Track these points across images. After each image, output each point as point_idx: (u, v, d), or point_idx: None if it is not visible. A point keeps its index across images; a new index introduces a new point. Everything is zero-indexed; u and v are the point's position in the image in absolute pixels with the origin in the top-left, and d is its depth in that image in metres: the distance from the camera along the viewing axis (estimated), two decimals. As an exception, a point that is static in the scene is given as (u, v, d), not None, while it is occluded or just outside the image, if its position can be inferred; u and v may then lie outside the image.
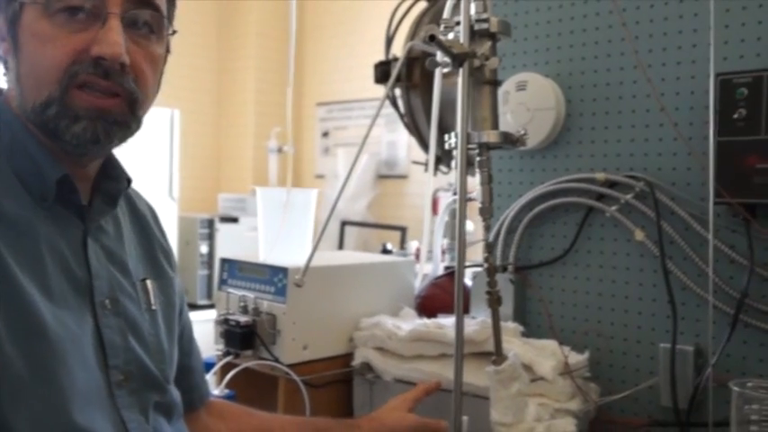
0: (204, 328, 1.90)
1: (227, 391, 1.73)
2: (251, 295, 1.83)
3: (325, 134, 7.07)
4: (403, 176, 6.38)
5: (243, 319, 1.79)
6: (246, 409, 1.51)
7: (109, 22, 1.03)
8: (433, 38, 1.24)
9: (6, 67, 1.08)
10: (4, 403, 0.92)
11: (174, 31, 1.17)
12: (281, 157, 6.37)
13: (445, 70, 1.38)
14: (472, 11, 1.36)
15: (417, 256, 2.86)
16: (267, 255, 1.90)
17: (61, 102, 1.02)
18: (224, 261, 1.96)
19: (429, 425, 1.52)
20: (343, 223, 5.99)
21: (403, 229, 5.72)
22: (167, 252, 1.33)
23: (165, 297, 1.26)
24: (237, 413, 1.47)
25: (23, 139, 1.06)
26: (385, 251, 4.23)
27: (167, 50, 1.17)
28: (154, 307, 1.21)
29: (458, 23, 1.37)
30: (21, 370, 0.94)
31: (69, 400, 0.98)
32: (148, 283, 1.22)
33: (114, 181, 1.18)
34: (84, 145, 1.05)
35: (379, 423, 1.50)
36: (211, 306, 5.26)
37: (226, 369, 1.78)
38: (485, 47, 1.35)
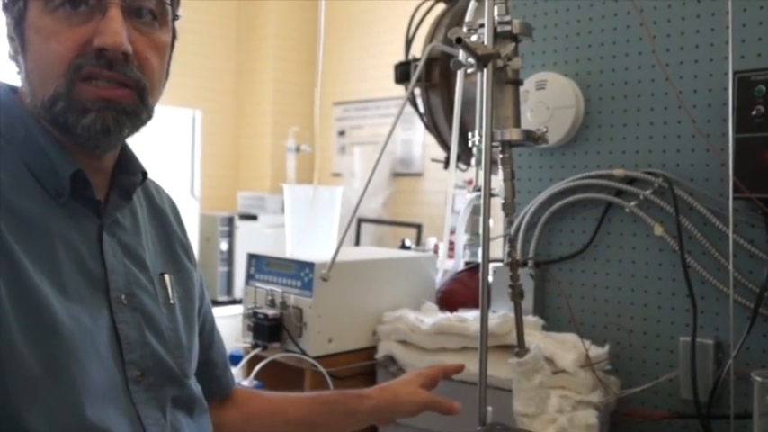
0: (225, 323, 1.93)
1: (255, 382, 1.77)
2: (278, 289, 1.87)
3: (342, 133, 7.10)
4: (418, 174, 6.41)
5: (270, 312, 1.83)
6: (256, 392, 1.52)
7: (109, 12, 1.03)
8: (459, 40, 1.27)
9: (17, 66, 1.10)
10: (17, 401, 0.93)
11: (178, 16, 1.17)
12: (299, 156, 6.41)
13: (469, 71, 1.41)
14: (495, 13, 1.39)
15: (435, 252, 2.89)
16: (293, 250, 1.94)
17: (68, 96, 1.03)
18: (251, 256, 2.00)
19: (441, 404, 1.51)
20: (360, 220, 6.02)
21: (418, 226, 5.75)
22: (186, 246, 1.33)
23: (184, 290, 1.27)
24: (249, 397, 1.48)
25: (37, 135, 1.07)
26: (404, 247, 4.26)
27: (174, 36, 1.17)
28: (172, 301, 1.21)
29: (481, 26, 1.40)
30: (34, 367, 0.94)
31: (82, 397, 0.98)
32: (166, 277, 1.22)
33: (130, 175, 1.19)
34: (95, 137, 1.05)
35: (390, 394, 1.50)
36: (231, 302, 5.33)
37: (254, 361, 1.82)
38: (507, 48, 1.38)
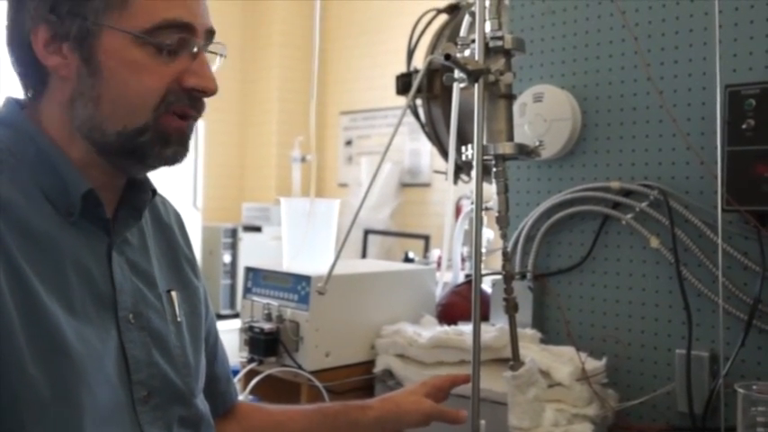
0: (227, 337, 1.93)
1: (251, 397, 1.77)
2: (275, 303, 1.87)
3: (349, 143, 7.09)
4: (426, 185, 6.39)
5: (267, 326, 1.83)
6: (257, 406, 1.52)
7: (201, 55, 1.10)
8: (448, 56, 1.28)
9: (77, 85, 1.07)
10: (27, 424, 0.93)
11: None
12: (305, 167, 6.40)
13: (462, 85, 1.42)
14: (487, 29, 1.39)
15: (439, 264, 2.89)
16: (290, 263, 1.94)
17: (155, 128, 1.07)
18: (248, 270, 2.00)
19: (446, 414, 1.48)
20: (367, 232, 6.00)
21: (426, 238, 5.73)
22: (192, 261, 1.34)
23: (191, 307, 1.27)
24: (250, 411, 1.47)
25: (49, 153, 1.07)
26: (407, 260, 4.25)
27: None
28: (179, 319, 1.21)
29: (473, 41, 1.40)
30: (44, 391, 0.94)
31: (86, 420, 0.98)
32: (173, 294, 1.23)
33: (140, 192, 1.20)
34: (161, 165, 1.12)
35: (393, 404, 1.49)
36: (234, 315, 5.30)
37: (250, 376, 1.82)
38: (499, 63, 1.39)
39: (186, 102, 1.09)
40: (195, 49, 1.09)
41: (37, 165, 1.06)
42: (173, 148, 1.10)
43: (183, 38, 1.08)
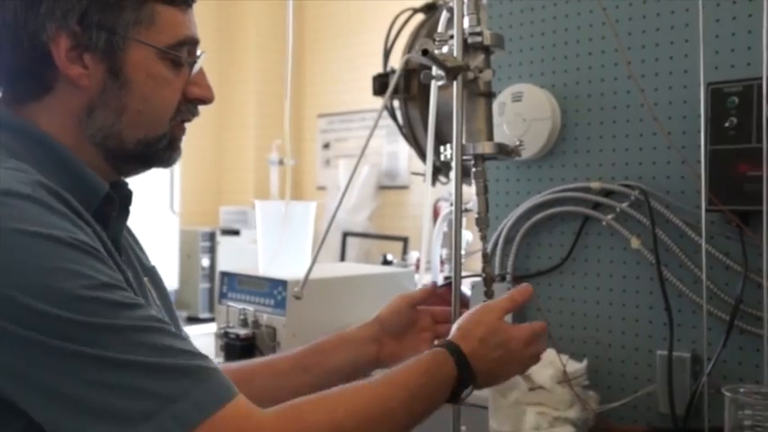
0: (205, 341, 1.90)
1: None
2: (251, 308, 1.84)
3: (326, 146, 7.07)
4: (404, 187, 6.39)
5: (242, 332, 1.80)
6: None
7: (202, 68, 1.17)
8: (426, 52, 1.26)
9: (76, 93, 1.08)
10: None
11: None
12: (283, 170, 6.37)
13: (440, 83, 1.39)
14: (466, 24, 1.37)
15: (418, 266, 2.87)
16: (266, 267, 1.91)
17: (170, 136, 1.15)
18: (224, 274, 1.98)
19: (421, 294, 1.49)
20: (345, 234, 5.99)
21: (404, 240, 5.73)
22: (141, 245, 1.35)
23: (160, 290, 1.29)
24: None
25: (62, 154, 1.07)
26: (385, 262, 4.23)
27: None
28: (158, 302, 1.23)
29: (452, 37, 1.38)
30: None
31: None
32: (145, 279, 1.24)
33: (121, 187, 1.19)
34: (162, 168, 1.20)
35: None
36: (213, 319, 5.25)
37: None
38: (478, 60, 1.37)
39: (193, 111, 1.18)
40: (198, 63, 1.16)
41: (48, 165, 1.05)
42: (179, 151, 1.19)
43: (191, 52, 1.15)
